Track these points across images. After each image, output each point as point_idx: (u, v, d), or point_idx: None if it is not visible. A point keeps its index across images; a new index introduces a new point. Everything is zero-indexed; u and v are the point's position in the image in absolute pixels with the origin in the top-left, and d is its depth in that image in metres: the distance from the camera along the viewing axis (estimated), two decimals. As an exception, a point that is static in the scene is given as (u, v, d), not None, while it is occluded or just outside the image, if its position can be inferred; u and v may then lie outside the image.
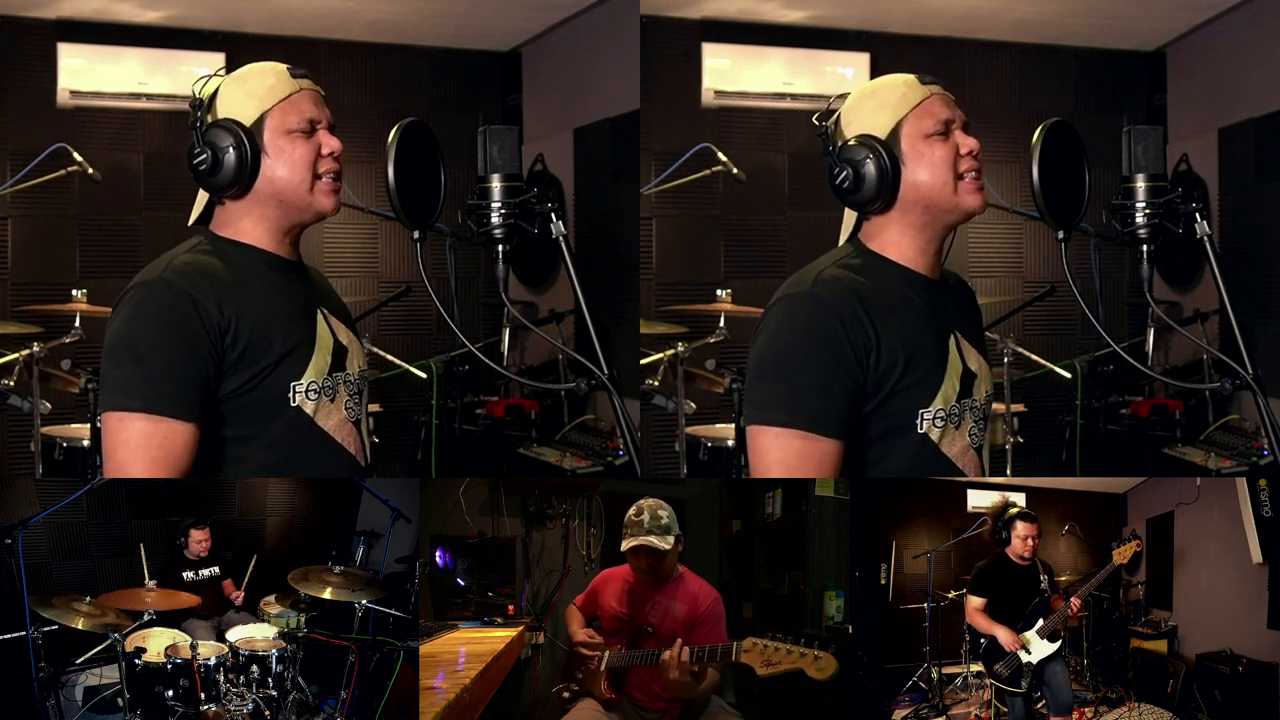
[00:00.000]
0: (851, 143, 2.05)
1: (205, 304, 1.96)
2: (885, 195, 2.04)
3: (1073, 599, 3.37)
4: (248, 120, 2.04)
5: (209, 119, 2.05)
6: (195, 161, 2.03)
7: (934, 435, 2.03)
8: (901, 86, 2.06)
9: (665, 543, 2.80)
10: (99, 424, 3.92)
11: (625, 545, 2.84)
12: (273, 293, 2.05)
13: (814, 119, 2.13)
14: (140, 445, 1.93)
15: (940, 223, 2.08)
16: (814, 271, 2.04)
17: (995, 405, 4.45)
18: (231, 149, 2.02)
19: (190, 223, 2.14)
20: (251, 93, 2.06)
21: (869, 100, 2.08)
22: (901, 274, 2.07)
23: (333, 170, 2.08)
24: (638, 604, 2.89)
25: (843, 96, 2.14)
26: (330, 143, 2.08)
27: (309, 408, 2.06)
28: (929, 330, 2.04)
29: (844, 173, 2.04)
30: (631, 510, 2.87)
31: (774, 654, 2.36)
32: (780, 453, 1.97)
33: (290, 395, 2.04)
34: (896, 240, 2.08)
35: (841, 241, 2.14)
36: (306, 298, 2.12)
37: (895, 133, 2.04)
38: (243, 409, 2.01)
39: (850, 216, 2.14)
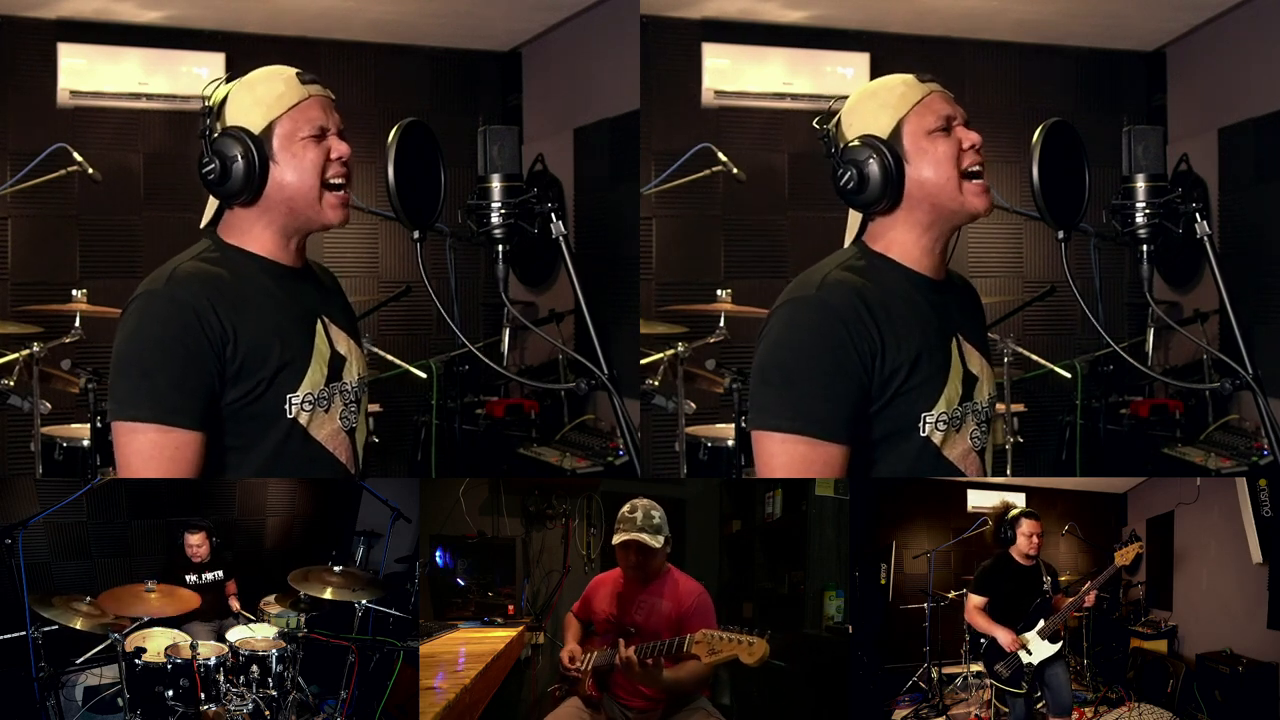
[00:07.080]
0: (854, 143, 2.05)
1: (207, 316, 1.97)
2: (890, 194, 2.03)
3: (1085, 591, 3.38)
4: (256, 128, 2.04)
5: (218, 126, 2.06)
6: (204, 170, 2.04)
7: (936, 438, 2.03)
8: (901, 86, 2.07)
9: (655, 542, 2.84)
10: (99, 424, 4.00)
11: (616, 539, 2.89)
12: (273, 304, 2.06)
13: (814, 122, 2.13)
14: (152, 455, 1.96)
15: (946, 222, 2.07)
16: (819, 274, 2.03)
17: (996, 405, 4.46)
18: (240, 158, 2.02)
19: (202, 225, 2.14)
20: (260, 100, 2.06)
21: (869, 101, 2.08)
22: (906, 275, 2.06)
23: (341, 175, 2.08)
24: (626, 605, 2.92)
25: (842, 99, 2.13)
26: (339, 148, 2.08)
27: (303, 419, 2.07)
28: (932, 333, 2.04)
29: (848, 173, 2.04)
30: (625, 507, 2.90)
31: (717, 642, 2.37)
32: (785, 458, 1.97)
33: (286, 407, 2.05)
34: (901, 241, 2.08)
35: (846, 244, 2.14)
36: (308, 307, 2.13)
37: (897, 132, 2.04)
38: (241, 420, 2.03)
39: (855, 218, 2.13)
